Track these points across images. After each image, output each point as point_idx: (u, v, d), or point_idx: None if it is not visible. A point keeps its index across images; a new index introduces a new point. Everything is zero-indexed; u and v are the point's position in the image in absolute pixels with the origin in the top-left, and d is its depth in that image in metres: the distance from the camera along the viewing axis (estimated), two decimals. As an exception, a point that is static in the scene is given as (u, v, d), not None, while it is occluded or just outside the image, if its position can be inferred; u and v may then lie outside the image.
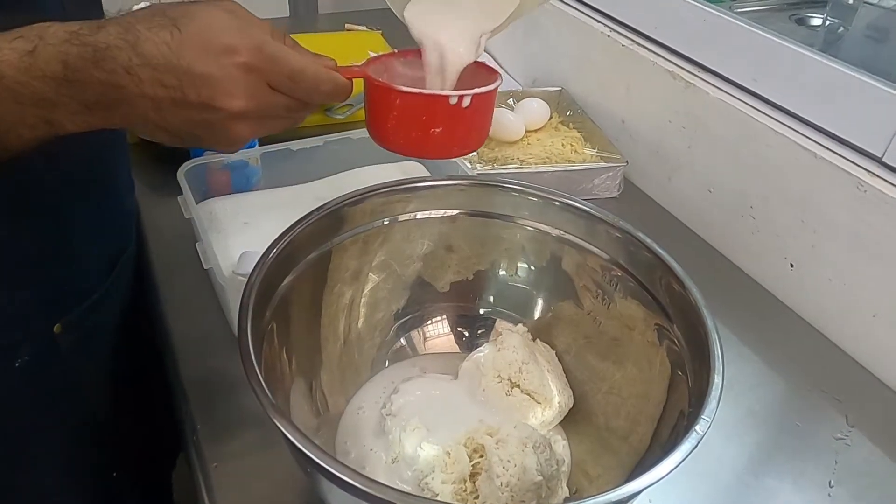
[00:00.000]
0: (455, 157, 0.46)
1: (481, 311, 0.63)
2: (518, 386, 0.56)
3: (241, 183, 0.78)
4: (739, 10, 0.89)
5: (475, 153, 0.89)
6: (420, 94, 0.43)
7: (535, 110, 0.95)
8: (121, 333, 0.67)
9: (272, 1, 1.18)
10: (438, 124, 0.44)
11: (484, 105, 0.46)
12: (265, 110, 0.40)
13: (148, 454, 0.76)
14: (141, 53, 0.36)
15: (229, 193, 0.77)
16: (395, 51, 0.49)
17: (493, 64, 1.17)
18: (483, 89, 0.44)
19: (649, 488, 0.37)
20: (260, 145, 0.77)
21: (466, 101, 0.43)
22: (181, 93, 0.37)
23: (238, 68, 0.38)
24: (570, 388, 0.58)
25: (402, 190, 0.58)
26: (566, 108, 0.98)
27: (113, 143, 0.60)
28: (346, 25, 1.30)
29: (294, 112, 0.42)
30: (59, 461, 0.63)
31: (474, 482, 0.48)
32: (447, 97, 0.43)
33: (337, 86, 0.42)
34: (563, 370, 0.59)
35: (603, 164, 0.86)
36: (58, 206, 0.53)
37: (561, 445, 0.55)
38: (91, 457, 0.67)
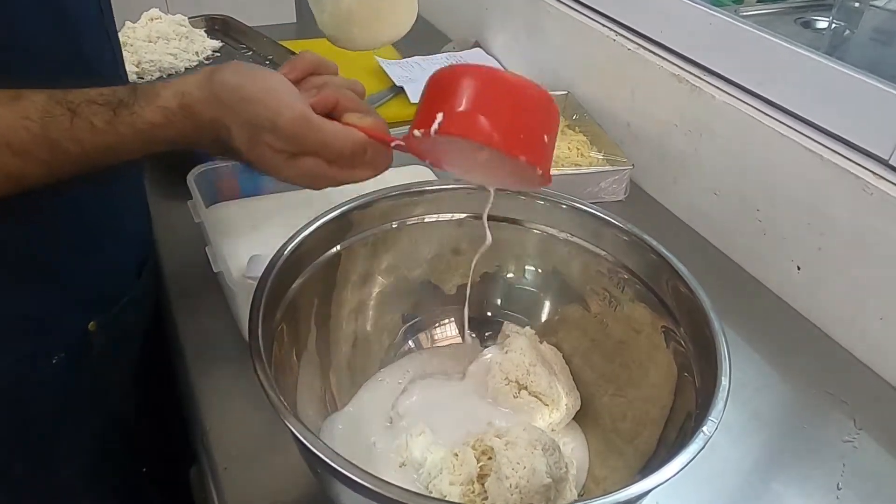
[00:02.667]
0: None
1: (489, 314, 0.63)
2: (526, 388, 0.56)
3: (249, 187, 0.78)
4: (745, 13, 0.90)
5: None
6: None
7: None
8: (147, 335, 0.70)
9: (280, 7, 1.18)
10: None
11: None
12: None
13: (171, 453, 0.77)
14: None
15: (238, 198, 0.78)
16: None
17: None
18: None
19: (656, 490, 0.38)
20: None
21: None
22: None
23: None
24: (577, 390, 0.58)
25: (410, 194, 0.58)
26: (572, 112, 0.98)
27: None
28: (353, 30, 1.30)
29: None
30: (84, 458, 0.65)
31: (482, 483, 0.48)
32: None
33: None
34: (570, 372, 0.59)
35: (609, 168, 0.87)
36: (85, 207, 0.56)
37: (570, 448, 0.55)
38: (116, 454, 0.69)
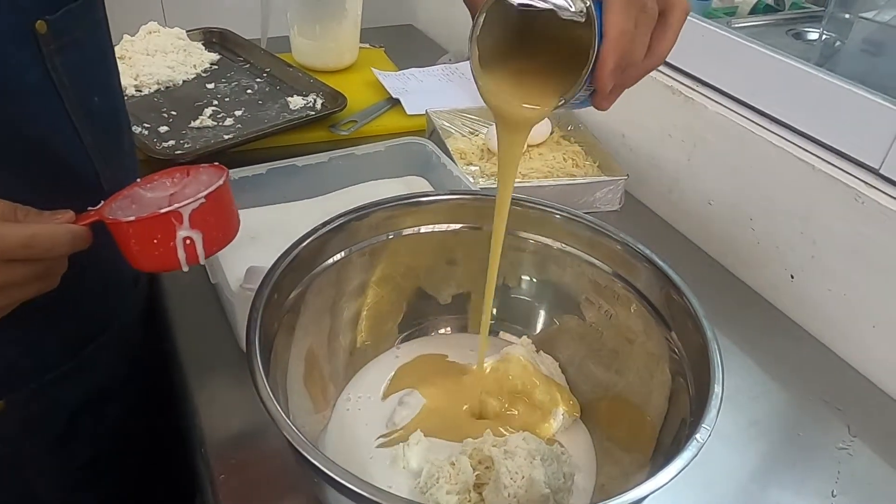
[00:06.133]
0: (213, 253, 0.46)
1: (485, 324, 0.64)
2: (523, 397, 0.56)
3: None
4: (737, 25, 0.91)
5: (477, 167, 0.90)
6: (145, 218, 0.43)
7: (537, 126, 0.95)
8: (86, 415, 0.61)
9: (278, 20, 1.19)
10: (173, 237, 0.44)
11: (212, 204, 0.45)
12: (6, 283, 0.40)
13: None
14: None
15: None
16: (139, 179, 0.48)
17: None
18: (196, 198, 0.43)
19: (651, 497, 0.38)
20: (266, 161, 0.78)
21: (187, 212, 0.43)
22: None
23: None
24: (574, 398, 0.58)
25: (406, 204, 0.59)
26: (567, 123, 0.99)
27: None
28: (350, 43, 1.31)
29: (42, 276, 0.42)
30: None
31: (480, 493, 0.49)
32: (168, 214, 0.43)
33: (74, 235, 0.41)
34: (567, 381, 0.59)
35: (604, 178, 0.87)
36: None
37: (567, 458, 0.55)
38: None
